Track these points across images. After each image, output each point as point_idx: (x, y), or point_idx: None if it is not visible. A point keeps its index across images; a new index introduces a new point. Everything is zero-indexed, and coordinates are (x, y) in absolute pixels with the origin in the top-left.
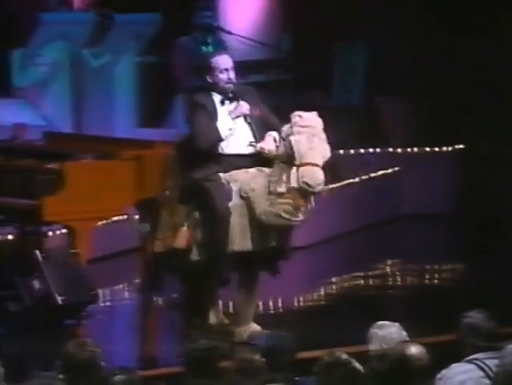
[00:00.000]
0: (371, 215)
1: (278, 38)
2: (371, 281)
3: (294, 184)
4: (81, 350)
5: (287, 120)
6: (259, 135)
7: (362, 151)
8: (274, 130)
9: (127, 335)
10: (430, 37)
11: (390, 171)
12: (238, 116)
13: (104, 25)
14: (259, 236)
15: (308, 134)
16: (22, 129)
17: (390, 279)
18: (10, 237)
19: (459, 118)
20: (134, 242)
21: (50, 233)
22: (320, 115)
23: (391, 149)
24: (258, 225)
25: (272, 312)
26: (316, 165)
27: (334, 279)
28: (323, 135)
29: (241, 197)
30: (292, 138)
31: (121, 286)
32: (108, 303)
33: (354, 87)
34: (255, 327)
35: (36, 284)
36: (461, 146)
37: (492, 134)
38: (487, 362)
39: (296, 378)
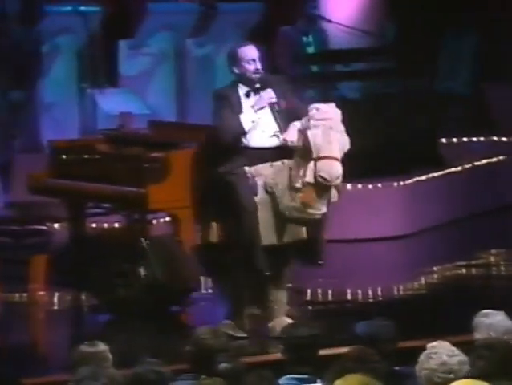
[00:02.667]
0: (476, 204)
1: (381, 26)
2: (474, 271)
3: (309, 178)
4: (216, 339)
5: (389, 107)
6: (284, 126)
7: (465, 139)
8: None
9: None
10: None
11: (495, 160)
12: (261, 108)
13: (208, 14)
14: (286, 230)
15: (325, 127)
16: (129, 118)
17: (494, 269)
18: (116, 225)
19: None
20: None
21: (155, 221)
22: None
23: (495, 138)
24: (283, 220)
25: (372, 301)
26: (334, 158)
27: (435, 268)
28: (342, 127)
29: (267, 192)
30: (309, 132)
31: None
32: (211, 290)
33: (460, 74)
34: (287, 321)
35: (142, 271)
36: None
37: None
38: None
39: (396, 368)
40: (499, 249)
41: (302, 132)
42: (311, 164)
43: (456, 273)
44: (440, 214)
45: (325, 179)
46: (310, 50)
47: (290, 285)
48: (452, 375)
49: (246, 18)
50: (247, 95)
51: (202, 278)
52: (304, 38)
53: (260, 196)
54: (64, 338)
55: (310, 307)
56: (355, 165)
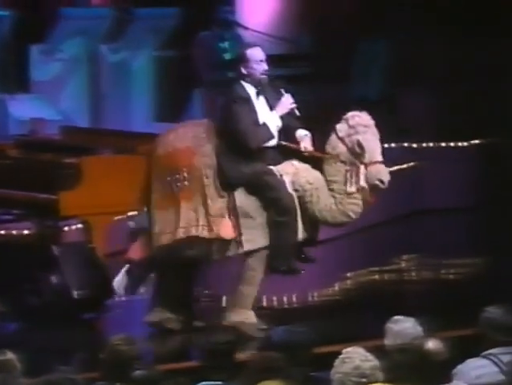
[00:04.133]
0: (388, 210)
1: (297, 32)
2: (386, 276)
3: (363, 183)
4: (129, 346)
5: (308, 114)
6: (282, 129)
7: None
8: (293, 129)
9: (144, 329)
10: (453, 31)
11: (406, 166)
12: (284, 112)
13: (123, 20)
14: (306, 227)
15: (371, 133)
16: (40, 124)
17: (406, 274)
18: (26, 231)
19: (481, 112)
20: None
21: (67, 228)
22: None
23: (406, 144)
24: (307, 218)
25: (287, 307)
26: (384, 162)
27: (349, 274)
28: (378, 134)
29: (295, 190)
30: (359, 137)
31: None
32: (125, 298)
33: (373, 81)
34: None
35: (53, 278)
36: (482, 140)
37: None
38: (502, 357)
39: (312, 374)
40: (411, 254)
41: (345, 139)
42: (362, 168)
43: (369, 279)
44: (354, 220)
45: (382, 182)
46: (227, 56)
47: (207, 292)
48: (364, 380)
49: (162, 23)
50: (257, 95)
51: (115, 285)
52: (221, 44)
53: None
54: None
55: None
56: None
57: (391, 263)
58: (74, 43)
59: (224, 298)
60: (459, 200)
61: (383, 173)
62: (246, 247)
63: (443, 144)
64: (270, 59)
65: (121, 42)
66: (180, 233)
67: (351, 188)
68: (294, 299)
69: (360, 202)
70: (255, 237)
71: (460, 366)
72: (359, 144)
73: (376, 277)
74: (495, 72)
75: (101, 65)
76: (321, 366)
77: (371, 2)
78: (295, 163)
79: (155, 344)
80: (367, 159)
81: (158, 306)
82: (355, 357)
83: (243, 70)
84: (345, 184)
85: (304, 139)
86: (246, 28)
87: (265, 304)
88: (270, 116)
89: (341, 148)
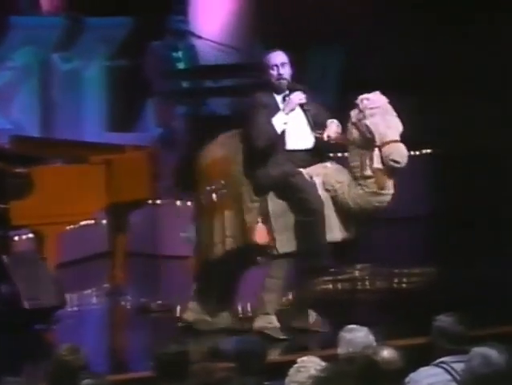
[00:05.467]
0: None
1: (250, 42)
2: (340, 286)
3: (377, 164)
4: (74, 355)
5: None
6: (314, 124)
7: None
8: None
9: (95, 340)
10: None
11: None
12: (292, 110)
13: (74, 29)
14: (346, 227)
15: (380, 114)
16: None
17: (360, 283)
18: None
19: (433, 121)
20: (102, 247)
21: (18, 238)
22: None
23: None
24: (344, 216)
25: (241, 316)
26: (398, 141)
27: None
28: (393, 112)
29: (327, 190)
30: (367, 121)
31: (90, 291)
32: (77, 308)
33: (326, 89)
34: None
35: (3, 288)
36: (433, 150)
37: (465, 135)
38: (454, 365)
39: (266, 383)
40: (364, 263)
41: (358, 124)
42: (376, 150)
43: (323, 288)
44: None
45: (396, 161)
46: (180, 65)
47: (159, 302)
48: None
49: (114, 32)
50: (283, 100)
51: (68, 296)
52: (174, 54)
53: (320, 195)
54: None
55: (179, 324)
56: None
57: (344, 272)
58: (25, 52)
59: (178, 308)
60: (411, 210)
61: (395, 153)
62: (280, 249)
63: None
64: (223, 69)
65: (73, 51)
66: (229, 243)
67: (367, 172)
68: (249, 308)
69: (383, 180)
70: (287, 241)
71: (412, 375)
72: (368, 128)
73: (330, 286)
74: (445, 83)
75: (52, 74)
76: (276, 375)
77: (324, 12)
78: (328, 164)
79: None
80: (378, 141)
81: (196, 307)
82: (310, 366)
83: (265, 76)
84: (363, 167)
85: (329, 127)
86: (199, 37)
87: None
88: (295, 119)
89: (355, 134)
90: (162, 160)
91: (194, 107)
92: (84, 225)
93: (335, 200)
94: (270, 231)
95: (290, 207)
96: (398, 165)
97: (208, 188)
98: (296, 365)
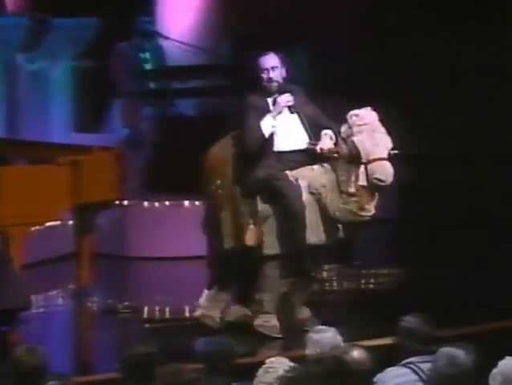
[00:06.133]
0: None
1: (217, 43)
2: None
3: (362, 182)
4: (32, 356)
5: (226, 127)
6: (312, 132)
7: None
8: (327, 129)
9: (61, 341)
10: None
11: None
12: (279, 113)
13: (39, 29)
14: (330, 229)
15: (368, 131)
16: None
17: (327, 284)
18: None
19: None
20: (68, 248)
21: None
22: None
23: None
24: (328, 219)
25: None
26: (384, 159)
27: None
28: (382, 128)
29: (311, 193)
30: (354, 138)
31: (56, 292)
32: (43, 309)
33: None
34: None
35: None
36: (399, 152)
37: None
38: (421, 365)
39: (234, 384)
40: (331, 264)
41: (346, 140)
42: (362, 168)
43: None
44: None
45: (380, 180)
46: (148, 66)
47: (127, 303)
48: None
49: (80, 33)
50: (274, 103)
51: (34, 297)
52: (141, 55)
53: (304, 198)
54: None
55: (147, 325)
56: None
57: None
58: None
59: (144, 309)
60: (377, 212)
61: (380, 171)
62: (266, 252)
63: None
64: (190, 70)
65: (38, 51)
66: (225, 242)
67: (351, 189)
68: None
69: (363, 201)
70: (274, 243)
71: (379, 375)
72: (354, 145)
73: None
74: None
75: (18, 75)
76: (244, 376)
77: (292, 14)
78: (315, 167)
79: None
80: (363, 158)
81: (205, 305)
82: (279, 367)
83: (254, 79)
84: (347, 183)
85: (323, 138)
86: (167, 38)
87: (188, 314)
88: (288, 121)
89: (344, 149)
90: (129, 161)
91: (161, 108)
92: (50, 226)
93: (320, 203)
94: (260, 233)
95: (274, 210)
96: (382, 184)
97: (213, 187)
98: (264, 365)
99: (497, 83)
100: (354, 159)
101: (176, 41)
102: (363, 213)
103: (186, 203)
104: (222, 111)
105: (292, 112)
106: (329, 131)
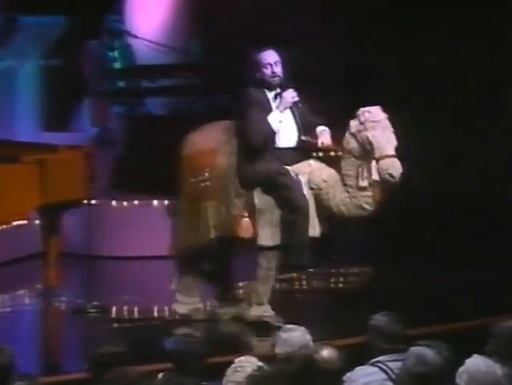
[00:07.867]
0: None
1: (187, 42)
2: (277, 286)
3: (376, 177)
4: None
5: (195, 124)
6: (303, 127)
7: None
8: (314, 126)
9: (29, 341)
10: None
11: None
12: (286, 108)
13: (7, 28)
14: (323, 223)
15: (381, 128)
16: None
17: (296, 283)
18: None
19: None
20: (36, 247)
21: None
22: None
23: None
24: (323, 214)
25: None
26: (395, 156)
27: (240, 284)
28: (391, 127)
29: (311, 188)
30: (368, 134)
31: (23, 292)
32: (10, 309)
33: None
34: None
35: None
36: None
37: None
38: (390, 364)
39: (204, 383)
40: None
41: (357, 135)
42: (374, 163)
43: None
44: None
45: (392, 176)
46: (117, 65)
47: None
48: None
49: (49, 31)
50: (275, 97)
51: (0, 296)
52: (110, 54)
53: (305, 192)
54: None
55: (115, 325)
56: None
57: (282, 273)
58: None
59: (113, 308)
60: None
61: (392, 168)
62: (261, 243)
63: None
64: (160, 68)
65: (6, 50)
66: (211, 232)
67: (363, 183)
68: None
69: (373, 196)
70: (269, 236)
71: (349, 374)
72: (368, 140)
73: None
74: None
75: None
76: (213, 375)
77: (265, 13)
78: (312, 162)
79: None
80: (377, 154)
81: (183, 299)
82: (247, 366)
83: (257, 75)
84: (357, 178)
85: (322, 134)
86: (136, 37)
87: (156, 314)
88: (285, 117)
89: (353, 144)
90: (97, 159)
91: (130, 107)
92: (17, 226)
93: (318, 199)
94: (255, 225)
95: (277, 204)
96: (393, 180)
97: (193, 179)
98: (233, 365)
99: (497, 83)
100: (365, 154)
101: (146, 40)
102: (370, 208)
103: (155, 202)
104: (192, 110)
105: (291, 109)
106: (326, 128)
